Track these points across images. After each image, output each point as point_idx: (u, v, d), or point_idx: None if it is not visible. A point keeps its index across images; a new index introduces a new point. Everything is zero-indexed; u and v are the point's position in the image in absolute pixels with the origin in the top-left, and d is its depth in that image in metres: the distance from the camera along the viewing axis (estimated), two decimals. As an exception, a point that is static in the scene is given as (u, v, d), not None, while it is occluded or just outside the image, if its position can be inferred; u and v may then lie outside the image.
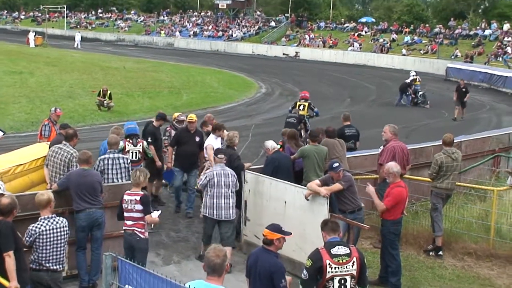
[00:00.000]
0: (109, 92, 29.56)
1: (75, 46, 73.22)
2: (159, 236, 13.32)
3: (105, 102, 29.29)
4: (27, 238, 8.78)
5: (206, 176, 11.95)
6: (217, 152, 12.42)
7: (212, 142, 14.26)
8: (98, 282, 10.60)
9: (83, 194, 10.61)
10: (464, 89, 30.89)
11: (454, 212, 13.69)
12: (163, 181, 15.99)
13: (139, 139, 14.26)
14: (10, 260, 8.06)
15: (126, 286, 6.93)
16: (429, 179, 13.32)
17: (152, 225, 13.43)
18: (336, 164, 11.23)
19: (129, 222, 10.14)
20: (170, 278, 6.49)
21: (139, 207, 10.03)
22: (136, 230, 10.10)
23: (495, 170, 17.15)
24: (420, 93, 35.83)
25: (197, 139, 14.91)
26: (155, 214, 10.27)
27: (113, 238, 11.23)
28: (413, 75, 36.22)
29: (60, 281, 9.15)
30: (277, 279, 7.59)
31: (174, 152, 15.23)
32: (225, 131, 14.66)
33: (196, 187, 14.25)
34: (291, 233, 7.97)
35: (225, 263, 6.50)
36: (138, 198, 10.03)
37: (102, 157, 12.27)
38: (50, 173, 12.22)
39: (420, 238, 13.20)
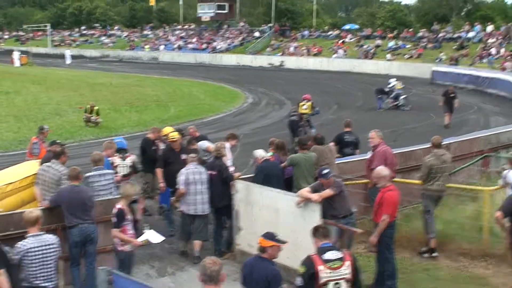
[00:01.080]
0: (96, 108, 29.51)
1: (67, 62, 73.61)
2: (152, 249, 13.27)
3: (92, 118, 29.23)
4: (14, 256, 8.71)
5: (182, 175, 12.83)
6: (189, 151, 13.67)
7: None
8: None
9: (75, 210, 10.60)
10: (452, 95, 29.73)
11: (447, 213, 13.70)
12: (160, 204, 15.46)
13: (127, 154, 14.26)
14: (2, 279, 8.02)
15: (122, 299, 6.92)
16: (419, 182, 13.35)
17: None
18: (326, 171, 11.23)
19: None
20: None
21: (114, 219, 10.29)
22: (116, 242, 10.41)
23: (484, 170, 17.21)
24: (402, 96, 36.01)
25: (183, 156, 13.90)
26: (145, 236, 10.41)
27: (106, 252, 11.19)
28: (393, 83, 36.53)
29: None
30: (274, 286, 7.58)
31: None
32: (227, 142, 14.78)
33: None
34: (285, 242, 7.91)
35: (221, 271, 6.48)
36: (115, 211, 10.27)
37: (88, 174, 12.22)
38: (40, 191, 12.19)
39: (414, 240, 13.20)
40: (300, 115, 23.21)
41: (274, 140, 14.64)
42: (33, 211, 9.19)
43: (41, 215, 9.09)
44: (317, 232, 8.01)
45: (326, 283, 7.54)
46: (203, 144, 15.86)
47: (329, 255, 7.64)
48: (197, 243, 12.92)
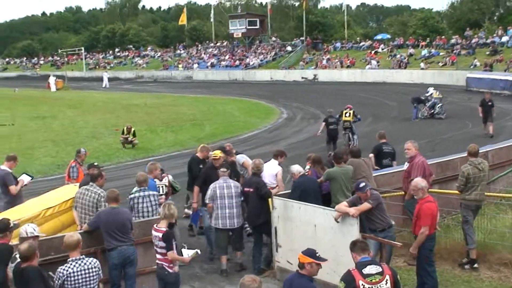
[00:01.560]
0: (133, 129, 29.78)
1: (104, 85, 74.80)
2: (192, 269, 13.33)
3: (129, 139, 29.48)
4: (56, 281, 8.82)
5: (210, 190, 13.11)
6: (220, 166, 13.71)
7: (276, 168, 14.30)
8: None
9: (114, 232, 10.66)
10: (490, 103, 28.58)
11: (486, 223, 13.52)
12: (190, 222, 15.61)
13: (163, 174, 14.32)
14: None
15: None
16: (457, 192, 13.22)
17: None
18: (362, 184, 11.19)
19: (158, 256, 10.31)
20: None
21: (162, 244, 10.16)
22: (164, 265, 10.24)
23: (523, 177, 16.99)
24: (439, 105, 35.89)
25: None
26: (187, 253, 10.37)
27: (146, 274, 11.26)
28: (431, 92, 36.47)
29: None
30: (311, 304, 7.55)
31: (200, 192, 14.35)
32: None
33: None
34: (325, 259, 7.85)
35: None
36: (160, 235, 10.15)
37: (132, 195, 12.35)
38: (79, 214, 12.32)
39: (454, 252, 13.05)
40: (337, 121, 25.62)
41: (311, 155, 14.62)
42: (73, 235, 9.30)
43: (81, 238, 9.20)
44: (355, 246, 7.98)
45: (366, 298, 7.50)
46: (241, 158, 15.92)
47: (369, 269, 7.60)
48: (239, 253, 13.47)
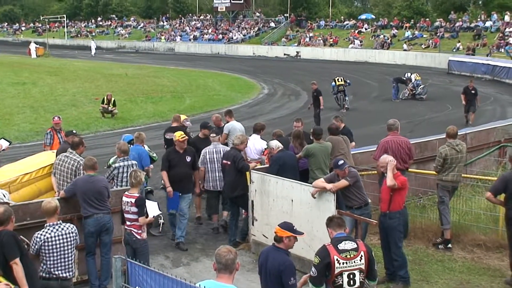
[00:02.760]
0: (113, 99, 29.60)
1: (93, 54, 74.97)
2: (167, 239, 13.36)
3: (109, 108, 29.32)
4: (32, 247, 8.82)
5: (202, 155, 13.84)
6: (210, 132, 14.41)
7: (261, 142, 14.58)
8: (109, 286, 10.62)
9: (90, 200, 10.63)
10: (473, 91, 27.75)
11: (462, 204, 13.63)
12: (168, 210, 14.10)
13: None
14: (18, 268, 8.08)
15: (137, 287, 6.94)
16: (434, 172, 13.29)
17: (160, 228, 13.59)
18: (341, 162, 11.20)
19: (128, 223, 10.44)
20: (180, 278, 6.50)
21: (134, 209, 10.29)
22: (133, 231, 10.37)
23: (501, 161, 17.10)
24: (421, 86, 36.29)
25: (188, 159, 13.19)
26: (152, 210, 10.46)
27: (121, 242, 11.24)
28: (410, 74, 37.19)
29: None
30: (286, 276, 7.54)
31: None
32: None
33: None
34: (303, 233, 7.88)
35: (236, 260, 6.48)
36: (133, 200, 10.29)
37: (116, 165, 12.33)
38: (57, 181, 12.27)
39: (428, 231, 13.15)
40: (337, 87, 32.05)
41: (277, 132, 14.59)
42: (51, 201, 9.28)
43: (59, 205, 9.18)
44: (331, 222, 7.98)
45: (340, 273, 7.52)
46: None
47: (344, 245, 7.61)
48: (224, 213, 14.26)
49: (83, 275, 10.99)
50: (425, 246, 12.80)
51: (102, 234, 10.77)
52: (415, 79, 36.19)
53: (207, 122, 14.79)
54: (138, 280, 6.93)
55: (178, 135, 13.14)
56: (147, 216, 10.43)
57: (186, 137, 13.37)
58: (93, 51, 76.68)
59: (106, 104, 29.47)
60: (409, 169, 13.81)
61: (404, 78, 36.56)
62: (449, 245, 12.69)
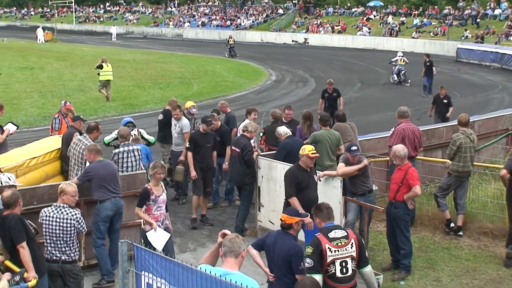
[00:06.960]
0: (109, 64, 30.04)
1: (113, 39, 75.49)
2: (174, 225, 13.33)
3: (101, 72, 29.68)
4: (39, 220, 8.88)
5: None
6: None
7: None
8: (115, 272, 10.61)
9: (109, 184, 10.62)
10: (445, 101, 21.76)
11: (469, 192, 13.55)
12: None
13: (134, 128, 14.54)
14: (24, 252, 8.10)
15: (143, 272, 6.95)
16: (442, 160, 13.24)
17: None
18: (354, 148, 11.25)
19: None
20: (186, 263, 6.50)
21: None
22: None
23: (509, 148, 17.06)
24: (403, 72, 36.60)
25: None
26: (158, 241, 10.33)
27: (128, 227, 11.28)
28: (399, 56, 37.17)
29: (73, 272, 8.98)
30: (296, 261, 7.63)
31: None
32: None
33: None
34: (308, 215, 8.05)
35: (243, 246, 6.45)
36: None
37: (117, 150, 12.31)
38: (70, 163, 12.35)
39: (435, 219, 13.13)
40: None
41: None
42: (72, 184, 9.23)
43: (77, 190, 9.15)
44: (321, 212, 7.93)
45: (333, 262, 7.55)
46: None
47: (335, 233, 7.65)
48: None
49: (90, 259, 11.01)
50: (432, 234, 12.79)
51: (115, 218, 10.76)
52: (398, 64, 36.47)
53: (207, 116, 14.55)
54: (144, 265, 6.94)
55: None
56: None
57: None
58: (114, 36, 76.99)
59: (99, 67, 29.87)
60: (418, 157, 13.78)
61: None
62: (460, 233, 12.63)
